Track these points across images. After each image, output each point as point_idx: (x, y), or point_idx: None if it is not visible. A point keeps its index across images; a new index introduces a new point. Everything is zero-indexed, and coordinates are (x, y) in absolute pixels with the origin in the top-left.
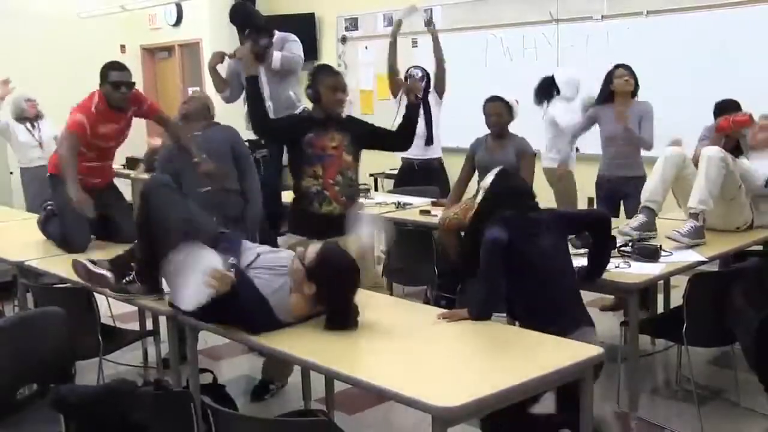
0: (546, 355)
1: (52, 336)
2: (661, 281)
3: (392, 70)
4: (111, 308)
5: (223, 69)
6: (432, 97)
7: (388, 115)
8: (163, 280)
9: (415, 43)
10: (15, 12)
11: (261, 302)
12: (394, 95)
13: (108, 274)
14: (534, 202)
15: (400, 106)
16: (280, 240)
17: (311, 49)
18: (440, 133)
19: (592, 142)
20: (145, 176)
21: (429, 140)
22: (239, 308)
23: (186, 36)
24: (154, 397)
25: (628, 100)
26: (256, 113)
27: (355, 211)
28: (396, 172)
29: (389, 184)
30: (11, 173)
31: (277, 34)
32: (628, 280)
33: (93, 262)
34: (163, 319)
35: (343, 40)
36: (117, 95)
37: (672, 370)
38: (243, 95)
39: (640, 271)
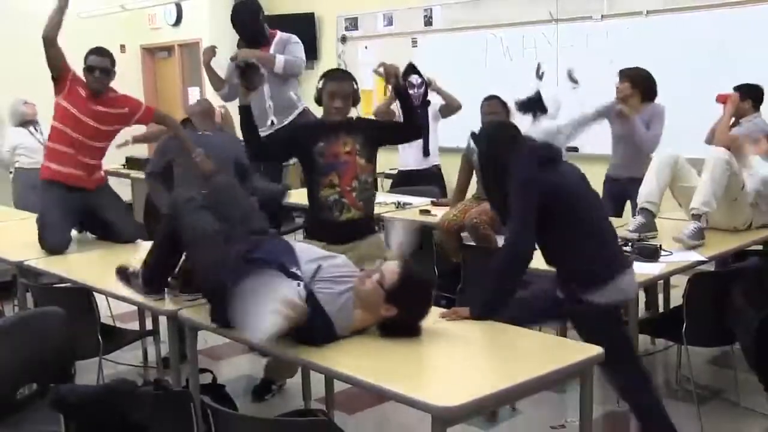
0: (546, 354)
1: (51, 336)
2: (661, 281)
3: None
4: (111, 308)
5: (222, 69)
6: (432, 110)
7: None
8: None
9: (414, 43)
10: (15, 12)
11: (327, 324)
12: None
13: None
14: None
15: (394, 100)
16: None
17: (311, 48)
18: (438, 142)
19: (592, 142)
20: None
21: (426, 151)
22: (304, 329)
23: (186, 36)
24: (153, 396)
25: (637, 105)
26: (252, 143)
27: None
28: (395, 171)
29: (389, 184)
30: (11, 173)
31: (279, 35)
32: None
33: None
34: (163, 319)
35: (343, 39)
36: (90, 79)
37: (672, 370)
38: None
39: (639, 271)
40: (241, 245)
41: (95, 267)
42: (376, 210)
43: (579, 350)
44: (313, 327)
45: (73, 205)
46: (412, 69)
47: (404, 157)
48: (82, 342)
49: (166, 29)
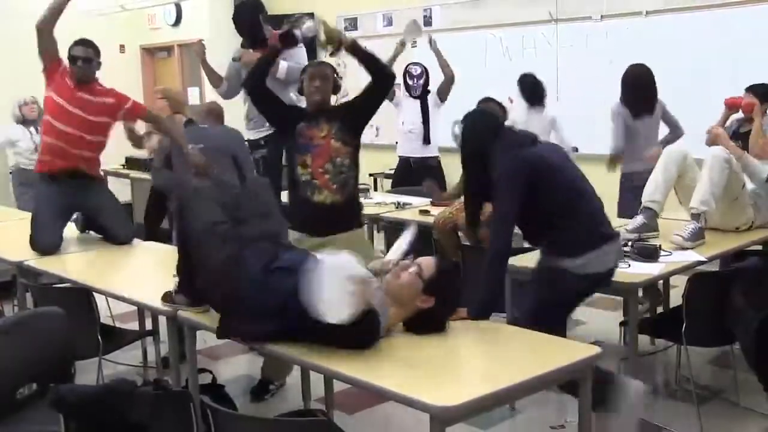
0: (545, 354)
1: (51, 336)
2: (661, 281)
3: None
4: (110, 308)
5: (222, 69)
6: (432, 98)
7: (387, 114)
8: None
9: (414, 43)
10: (14, 12)
11: (378, 323)
12: None
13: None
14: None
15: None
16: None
17: (311, 48)
18: (438, 133)
19: (593, 142)
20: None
21: (426, 139)
22: (362, 330)
23: (185, 36)
24: (153, 396)
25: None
26: (256, 77)
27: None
28: (394, 172)
29: (388, 184)
30: (11, 173)
31: None
32: (628, 280)
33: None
34: (162, 319)
35: None
36: (74, 68)
37: (671, 370)
38: (242, 93)
39: (639, 270)
40: (259, 258)
41: (95, 267)
42: (376, 210)
43: (579, 350)
44: (372, 328)
45: (66, 202)
46: (414, 25)
47: (404, 144)
48: (82, 342)
49: (166, 29)
